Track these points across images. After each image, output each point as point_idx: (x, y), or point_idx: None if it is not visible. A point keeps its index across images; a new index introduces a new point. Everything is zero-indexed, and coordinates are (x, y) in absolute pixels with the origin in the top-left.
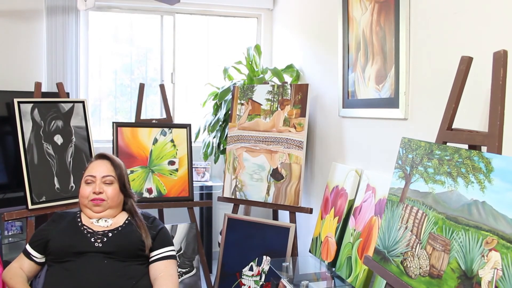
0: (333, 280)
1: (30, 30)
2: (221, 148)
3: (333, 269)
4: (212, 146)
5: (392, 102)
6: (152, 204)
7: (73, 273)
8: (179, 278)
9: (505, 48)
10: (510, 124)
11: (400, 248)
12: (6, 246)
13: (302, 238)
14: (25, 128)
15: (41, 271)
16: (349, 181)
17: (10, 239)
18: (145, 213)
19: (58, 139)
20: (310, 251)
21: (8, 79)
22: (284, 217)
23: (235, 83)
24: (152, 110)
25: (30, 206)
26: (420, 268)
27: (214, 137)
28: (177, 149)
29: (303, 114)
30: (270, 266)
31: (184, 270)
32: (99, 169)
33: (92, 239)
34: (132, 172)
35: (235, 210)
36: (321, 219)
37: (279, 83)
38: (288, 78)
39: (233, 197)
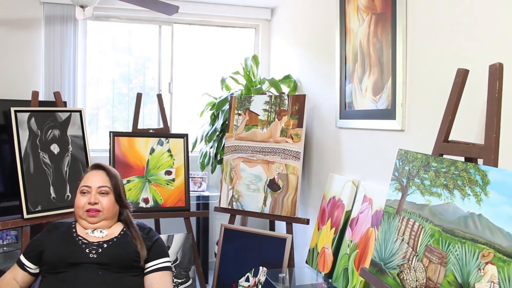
0: None
1: (28, 39)
2: (218, 158)
3: (330, 280)
4: (209, 156)
5: (389, 113)
6: (149, 214)
7: (67, 284)
8: None
9: (501, 61)
10: (506, 137)
11: (396, 260)
12: (1, 256)
13: (299, 249)
14: (22, 137)
15: (35, 282)
16: (346, 192)
17: (5, 248)
18: (141, 223)
19: (55, 148)
20: (306, 262)
21: (6, 88)
22: (280, 227)
23: (232, 93)
24: (150, 119)
25: (25, 216)
26: (416, 280)
27: (211, 147)
28: (174, 159)
29: (300, 125)
30: (266, 277)
31: (180, 281)
32: (94, 180)
33: (87, 250)
34: (128, 181)
35: (231, 221)
36: (318, 230)
37: (277, 94)
38: (285, 89)
39: (229, 207)
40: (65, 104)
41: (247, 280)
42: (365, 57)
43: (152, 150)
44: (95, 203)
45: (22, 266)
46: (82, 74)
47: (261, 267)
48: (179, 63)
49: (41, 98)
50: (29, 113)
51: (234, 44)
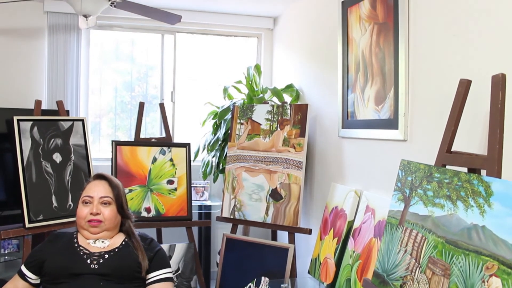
0: None
1: (32, 47)
2: (220, 167)
3: None
4: (211, 166)
5: (391, 123)
6: (150, 223)
7: None
8: None
9: (504, 72)
10: (509, 148)
11: (399, 272)
12: (2, 265)
13: (301, 259)
14: (24, 146)
15: None
16: (348, 202)
17: (6, 257)
18: (143, 234)
19: (57, 157)
20: (309, 272)
21: (9, 96)
22: (283, 237)
23: (234, 103)
24: (152, 127)
25: (27, 225)
26: None
27: (213, 157)
28: (176, 168)
29: (302, 134)
30: (268, 287)
31: None
32: (96, 190)
33: (88, 261)
34: (130, 191)
35: (233, 230)
36: (320, 240)
37: (279, 103)
38: (287, 98)
39: (232, 217)
40: (67, 112)
41: None
42: (367, 67)
43: (154, 159)
44: (97, 214)
45: (23, 276)
46: (84, 82)
47: (263, 277)
48: (182, 72)
49: (44, 106)
50: (31, 122)
51: (237, 53)
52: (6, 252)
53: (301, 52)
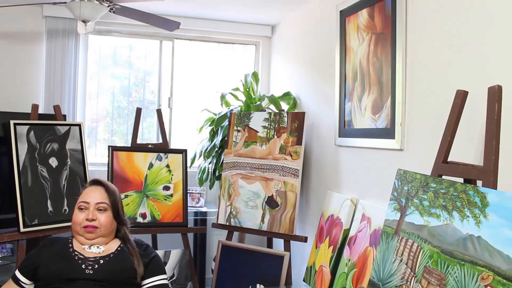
0: None
1: (30, 52)
2: (217, 174)
3: None
4: (208, 172)
5: (388, 132)
6: (146, 229)
7: None
8: None
9: (500, 83)
10: (505, 159)
11: (395, 281)
12: None
13: (297, 267)
14: (20, 150)
15: None
16: (344, 211)
17: (0, 261)
18: (138, 240)
19: (53, 161)
20: (304, 280)
21: (6, 100)
22: (278, 245)
23: (232, 110)
24: (149, 133)
25: (22, 229)
26: None
27: (210, 163)
28: (172, 174)
29: (299, 142)
30: None
31: None
32: (93, 196)
33: (83, 266)
34: (126, 196)
35: (229, 237)
36: (316, 248)
37: (276, 111)
38: (285, 106)
39: (227, 223)
40: (64, 117)
41: None
42: (364, 76)
43: (151, 165)
44: (93, 220)
45: (17, 281)
46: (82, 87)
47: (258, 285)
48: (179, 78)
49: (41, 111)
50: (28, 126)
51: (234, 61)
52: (0, 256)
53: (298, 60)
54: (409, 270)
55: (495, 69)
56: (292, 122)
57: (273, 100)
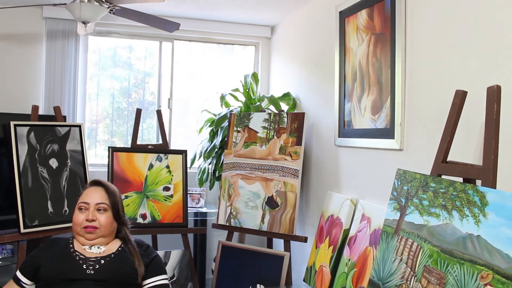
0: None
1: (30, 53)
2: (217, 174)
3: None
4: (208, 173)
5: (387, 132)
6: (146, 230)
7: None
8: None
9: (499, 83)
10: (504, 158)
11: (395, 281)
12: None
13: (297, 267)
14: (21, 151)
15: None
16: (344, 211)
17: (0, 262)
18: (139, 240)
19: (53, 162)
20: (304, 280)
21: (6, 101)
22: (278, 245)
23: (231, 110)
24: (149, 134)
25: (22, 230)
26: None
27: (209, 164)
28: (172, 175)
29: (299, 143)
30: None
31: None
32: (93, 196)
33: (84, 266)
34: (126, 197)
35: (229, 238)
36: (316, 248)
37: (276, 111)
38: (284, 106)
39: (227, 224)
40: (64, 118)
41: None
42: (364, 77)
43: (151, 166)
44: (93, 220)
45: (18, 282)
46: (82, 88)
47: (258, 285)
48: (179, 79)
49: (41, 112)
50: (28, 127)
51: (234, 61)
52: (0, 257)
53: (298, 61)
54: (409, 269)
55: (494, 69)
56: (291, 122)
57: (273, 100)
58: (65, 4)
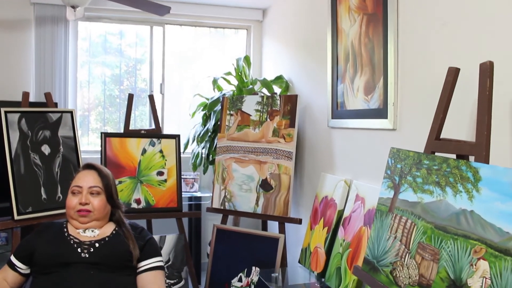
0: None
1: (19, 39)
2: (210, 158)
3: (323, 279)
4: (201, 157)
5: (380, 112)
6: (141, 215)
7: (58, 284)
8: None
9: (491, 59)
10: (497, 134)
11: (389, 258)
12: None
13: (291, 249)
14: (12, 138)
15: (25, 283)
16: (338, 192)
17: None
18: (133, 223)
19: (46, 149)
20: (299, 262)
21: None
22: (273, 227)
23: (224, 94)
24: (141, 121)
25: (16, 217)
26: (409, 277)
27: (203, 148)
28: (165, 160)
29: (292, 125)
30: (259, 277)
31: (172, 281)
32: (85, 180)
33: (79, 249)
34: (120, 182)
35: (224, 221)
36: (310, 229)
37: (268, 94)
38: (277, 89)
39: (222, 207)
40: (56, 105)
41: (240, 280)
42: (356, 57)
43: (144, 151)
44: (86, 203)
45: (12, 266)
46: (73, 75)
47: (253, 267)
48: (171, 64)
49: (31, 99)
50: (19, 114)
51: (226, 45)
52: None
53: (290, 43)
54: (403, 246)
55: (486, 45)
56: (284, 105)
57: (266, 83)
58: None
